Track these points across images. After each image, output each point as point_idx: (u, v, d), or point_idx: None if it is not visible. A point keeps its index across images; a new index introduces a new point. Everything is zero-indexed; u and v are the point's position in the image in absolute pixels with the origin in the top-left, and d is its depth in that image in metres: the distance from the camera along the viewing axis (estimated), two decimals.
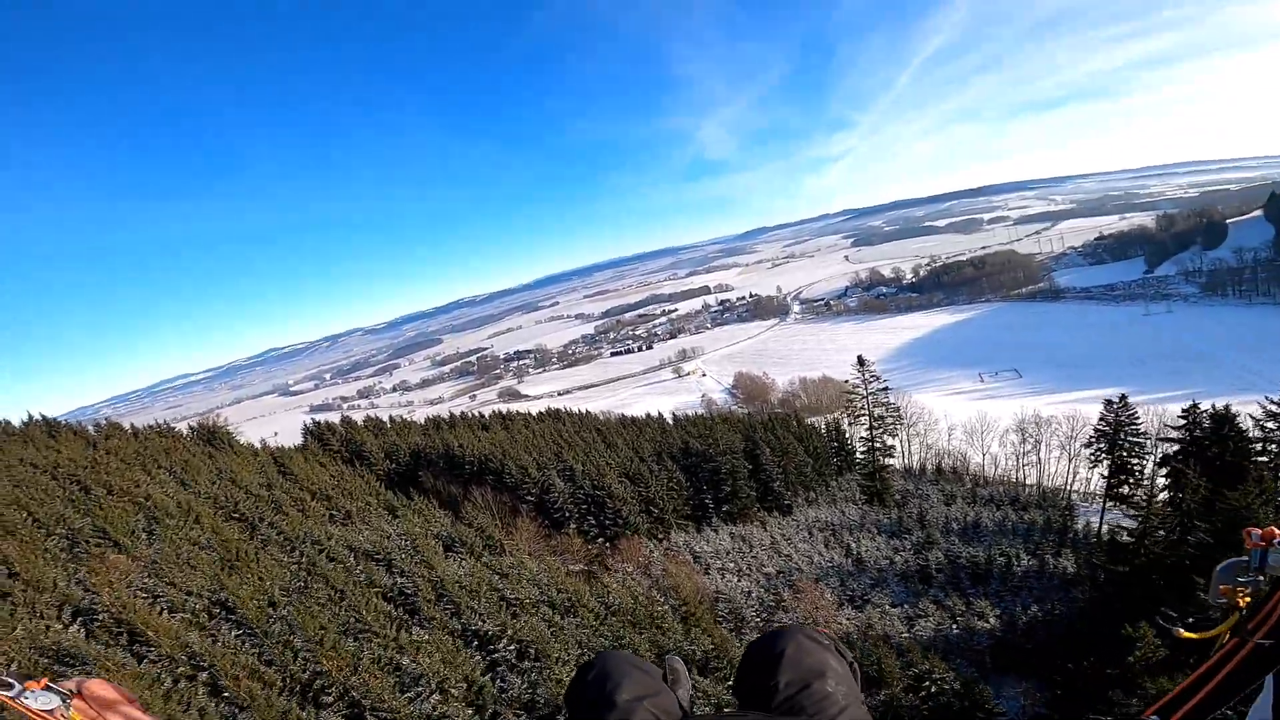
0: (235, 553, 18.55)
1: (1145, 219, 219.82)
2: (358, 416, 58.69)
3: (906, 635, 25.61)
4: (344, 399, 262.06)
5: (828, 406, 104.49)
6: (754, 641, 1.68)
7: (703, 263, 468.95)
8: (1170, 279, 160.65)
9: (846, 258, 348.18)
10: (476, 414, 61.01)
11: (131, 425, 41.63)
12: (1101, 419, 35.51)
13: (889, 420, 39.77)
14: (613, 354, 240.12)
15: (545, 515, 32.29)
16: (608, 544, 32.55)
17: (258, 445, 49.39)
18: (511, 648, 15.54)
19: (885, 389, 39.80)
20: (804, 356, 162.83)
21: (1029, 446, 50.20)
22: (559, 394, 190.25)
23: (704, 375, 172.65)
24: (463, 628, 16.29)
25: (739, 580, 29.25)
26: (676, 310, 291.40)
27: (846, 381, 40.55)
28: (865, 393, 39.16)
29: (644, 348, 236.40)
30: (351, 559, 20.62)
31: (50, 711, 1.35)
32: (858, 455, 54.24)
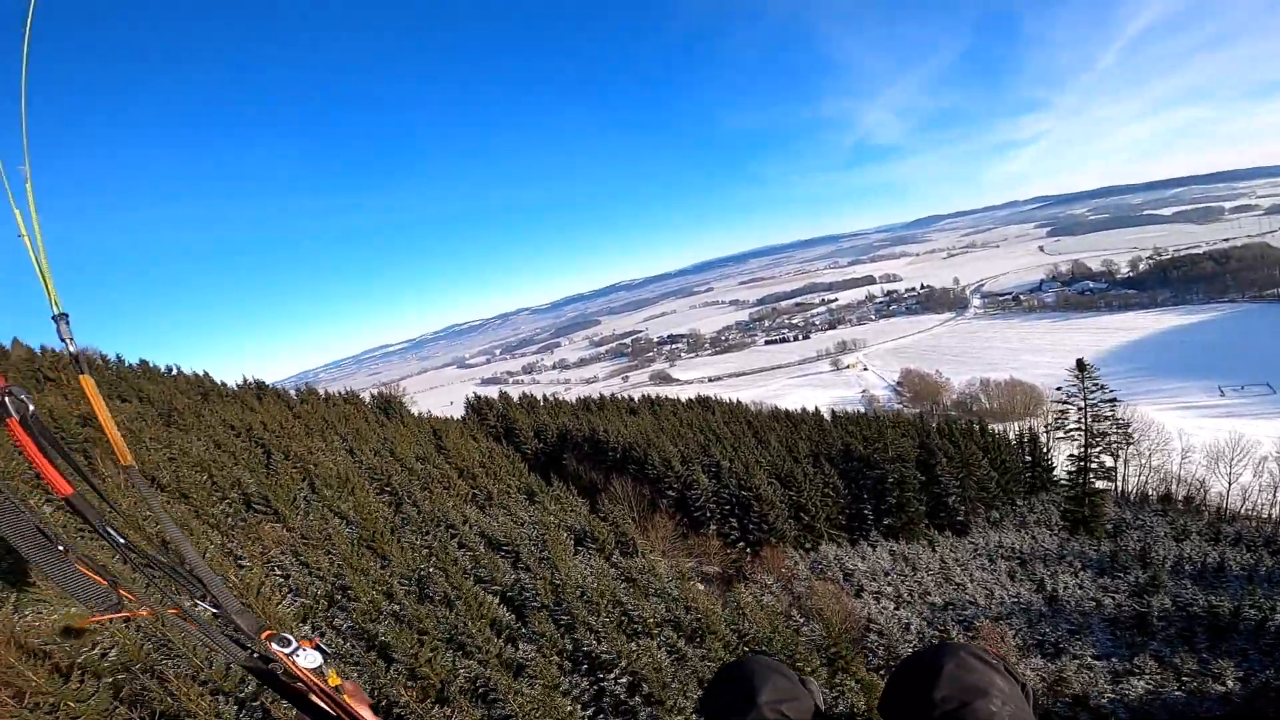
0: (373, 532, 18.40)
1: None
2: (520, 390, 61.07)
3: (1111, 695, 19.95)
4: (510, 374, 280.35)
5: (1016, 413, 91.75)
6: (909, 655, 1.50)
7: (866, 251, 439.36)
8: None
9: (1041, 248, 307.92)
10: (626, 397, 60.52)
11: (325, 392, 45.76)
12: None
13: (1112, 438, 32.31)
14: (767, 342, 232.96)
15: (685, 512, 30.06)
16: (749, 550, 29.63)
17: (426, 415, 52.92)
18: (623, 680, 13.38)
19: (1112, 400, 32.33)
20: (986, 356, 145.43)
21: None
22: (709, 380, 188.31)
23: (865, 369, 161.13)
24: (574, 645, 14.46)
25: (897, 609, 24.91)
26: (836, 300, 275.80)
27: (1059, 389, 33.53)
28: (1084, 402, 32.04)
29: (800, 337, 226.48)
30: (481, 547, 19.83)
31: (317, 669, 1.46)
32: (1059, 473, 46.09)
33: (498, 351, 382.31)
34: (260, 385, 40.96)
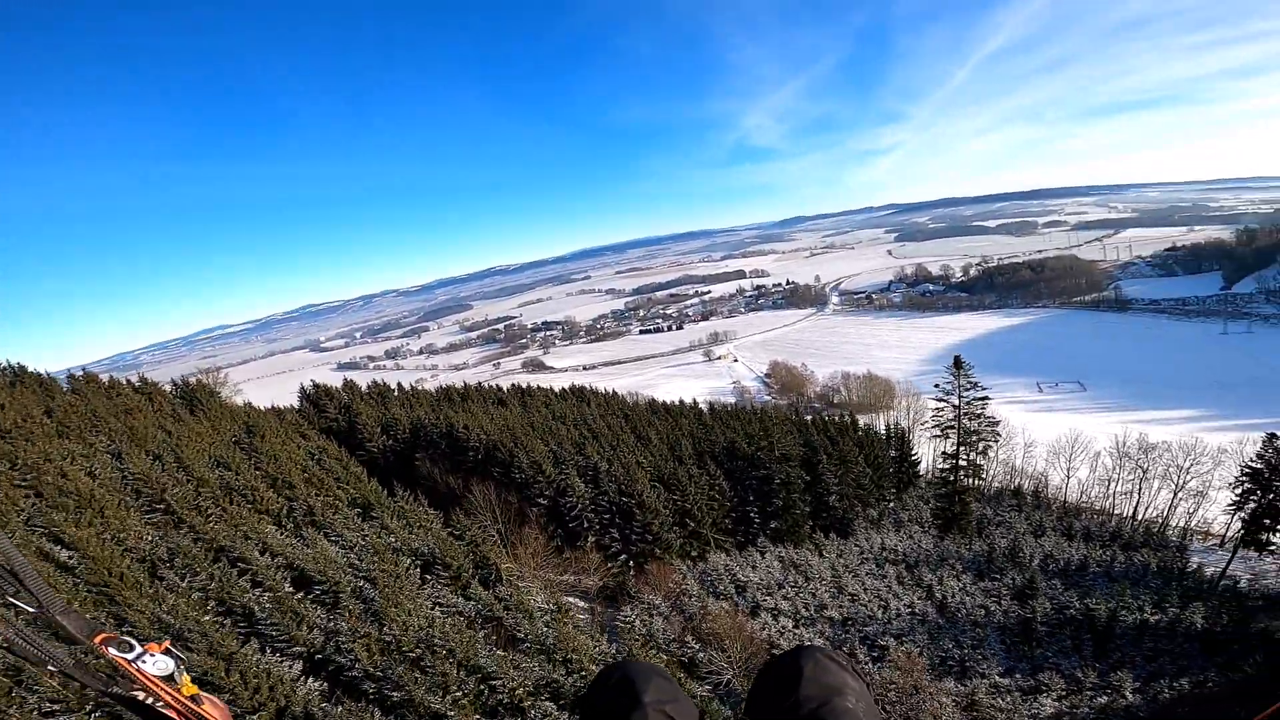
0: (108, 570, 12.91)
1: (1220, 232, 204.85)
2: (382, 376, 54.16)
3: (1027, 717, 19.11)
4: (371, 358, 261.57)
5: (872, 405, 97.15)
6: (769, 660, 1.63)
7: (738, 247, 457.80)
8: (1250, 297, 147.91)
9: (889, 252, 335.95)
10: (494, 386, 55.38)
11: (110, 378, 37.03)
12: (1260, 456, 28.38)
13: (984, 436, 32.83)
14: (642, 331, 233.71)
15: (559, 523, 26.37)
16: (631, 563, 26.56)
17: (245, 407, 44.89)
18: None
19: (985, 399, 32.79)
20: (843, 350, 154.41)
21: (1129, 474, 42.82)
22: (584, 368, 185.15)
23: (735, 360, 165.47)
24: None
25: (796, 628, 23.02)
26: (710, 292, 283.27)
27: (936, 386, 33.52)
28: (959, 400, 32.21)
29: (674, 328, 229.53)
30: (286, 586, 14.89)
31: (167, 678, 1.30)
32: (925, 468, 47.58)
33: (358, 334, 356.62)
34: (19, 370, 32.12)
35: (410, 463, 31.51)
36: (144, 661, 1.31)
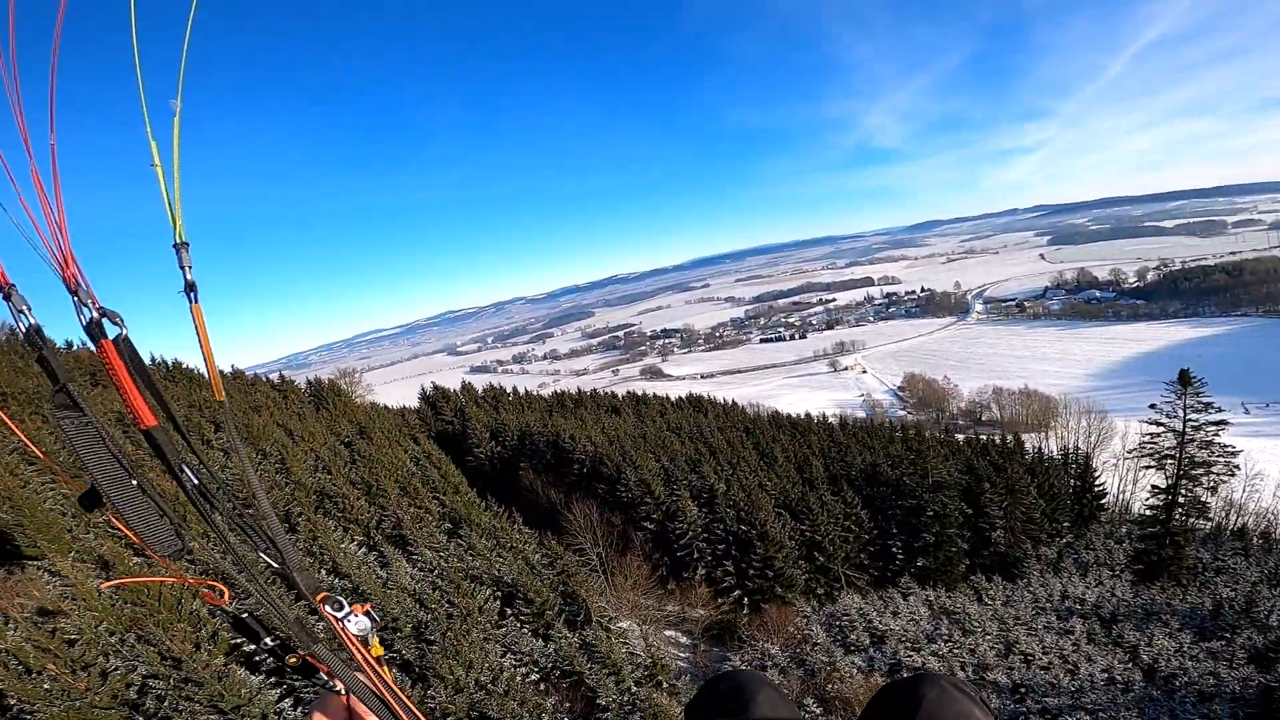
0: (157, 593, 11.49)
1: None
2: (509, 380, 54.69)
3: None
4: (500, 362, 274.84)
5: (1029, 424, 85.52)
6: (888, 684, 1.50)
7: (865, 254, 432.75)
8: None
9: (1042, 256, 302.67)
10: (608, 392, 53.61)
11: (255, 376, 39.30)
12: None
13: (1216, 470, 25.58)
14: (762, 340, 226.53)
15: (666, 550, 23.23)
16: (745, 600, 22.82)
17: (391, 406, 46.27)
18: None
19: (1220, 423, 25.58)
20: (991, 362, 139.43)
21: None
22: (702, 376, 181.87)
23: (864, 372, 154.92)
24: None
25: None
26: (835, 300, 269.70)
27: (1152, 407, 26.70)
28: (1183, 425, 25.28)
29: (797, 336, 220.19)
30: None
31: (363, 637, 1.41)
32: (1136, 505, 39.59)
33: (490, 339, 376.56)
34: (175, 365, 34.57)
35: (515, 472, 29.84)
36: (349, 621, 1.38)
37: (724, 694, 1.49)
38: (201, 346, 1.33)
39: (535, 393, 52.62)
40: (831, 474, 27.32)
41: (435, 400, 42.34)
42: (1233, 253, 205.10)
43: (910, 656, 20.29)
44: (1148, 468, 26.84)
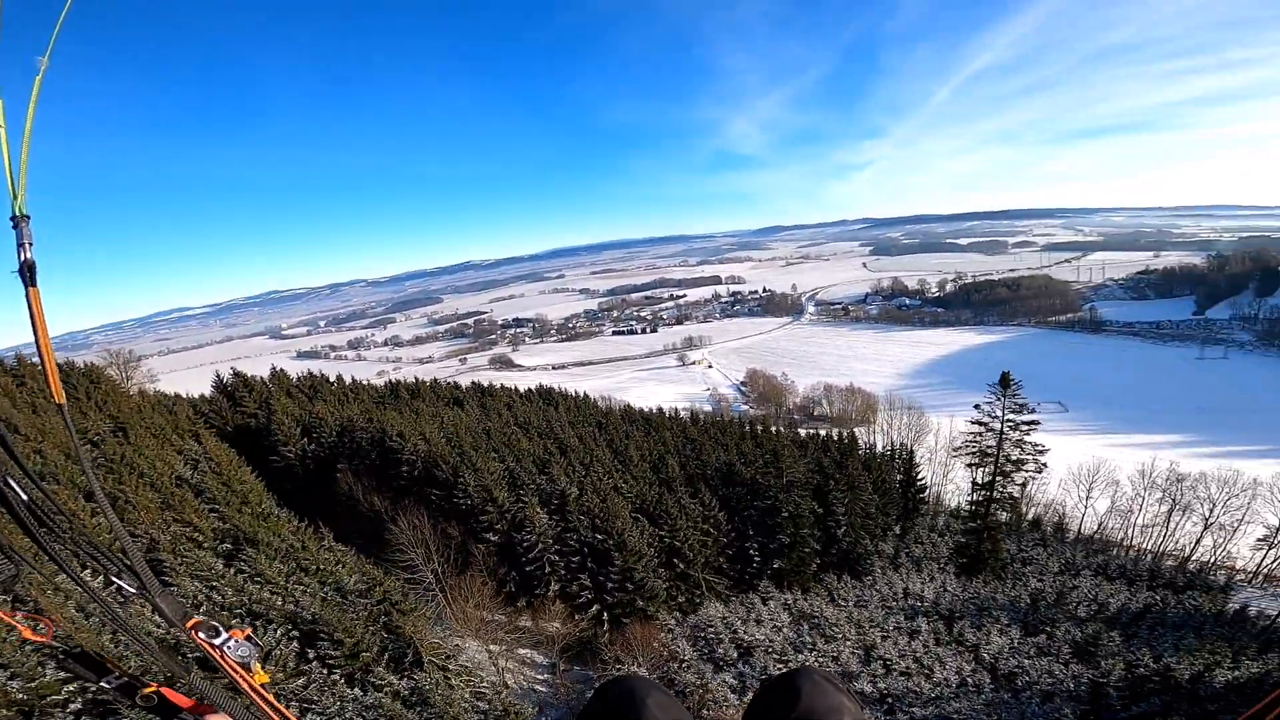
0: None
1: (1190, 257, 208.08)
2: (340, 368, 47.89)
3: None
4: (333, 348, 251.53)
5: (853, 419, 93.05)
6: (765, 681, 1.65)
7: (715, 254, 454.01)
8: (1224, 323, 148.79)
9: (864, 265, 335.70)
10: (450, 382, 49.12)
11: None
12: None
13: (1027, 466, 27.91)
14: (614, 332, 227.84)
15: (513, 564, 20.49)
16: (604, 616, 20.82)
17: (180, 395, 38.43)
18: None
19: (1033, 422, 27.92)
20: (820, 360, 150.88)
21: (1155, 504, 38.82)
22: (554, 367, 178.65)
23: (710, 366, 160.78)
24: None
25: None
26: (685, 296, 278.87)
27: (977, 407, 28.55)
28: (1002, 424, 27.25)
29: (648, 330, 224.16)
30: (47, 672, 8.89)
31: (244, 664, 1.33)
32: (951, 500, 43.01)
33: (322, 323, 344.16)
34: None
35: (333, 475, 25.28)
36: (228, 647, 1.31)
37: (614, 699, 1.49)
38: (37, 338, 1.15)
39: (367, 382, 46.73)
40: (688, 473, 26.17)
41: (234, 389, 35.58)
42: (1012, 269, 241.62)
43: (779, 669, 19.45)
44: (971, 465, 28.69)
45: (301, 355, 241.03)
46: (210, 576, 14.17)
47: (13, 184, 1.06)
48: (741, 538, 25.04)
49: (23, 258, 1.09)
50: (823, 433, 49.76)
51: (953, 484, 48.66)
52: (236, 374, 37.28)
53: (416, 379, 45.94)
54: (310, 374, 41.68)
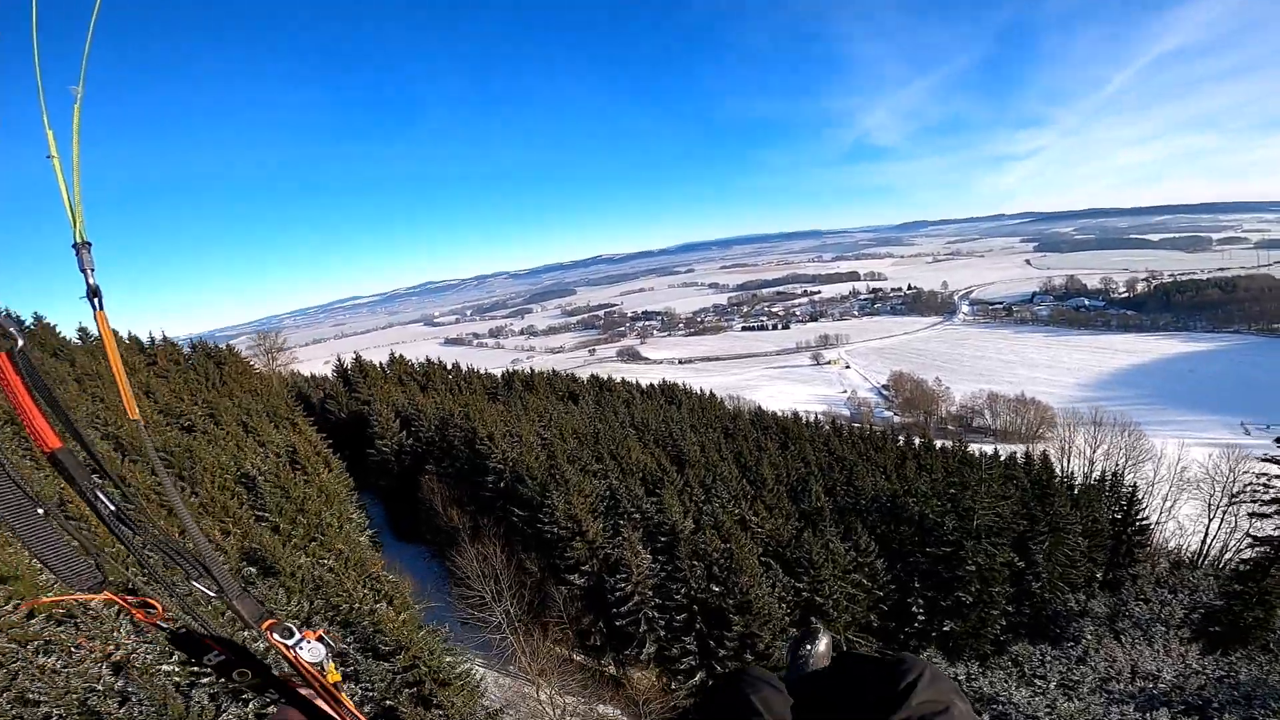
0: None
1: None
2: (483, 354, 47.77)
3: None
4: (475, 335, 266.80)
5: (1022, 434, 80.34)
6: (868, 659, 1.60)
7: (851, 249, 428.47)
8: None
9: (1028, 262, 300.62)
10: (567, 374, 46.48)
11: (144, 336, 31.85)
12: None
13: None
14: (744, 328, 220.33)
15: (600, 613, 16.30)
16: (709, 683, 16.07)
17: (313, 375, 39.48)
18: None
19: None
20: (978, 366, 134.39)
21: None
22: (680, 361, 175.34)
23: (847, 367, 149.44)
24: None
25: None
26: (820, 293, 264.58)
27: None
28: None
29: (779, 327, 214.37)
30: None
31: (318, 664, 1.38)
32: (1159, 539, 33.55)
33: (469, 312, 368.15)
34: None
35: (420, 474, 22.60)
36: (301, 648, 1.35)
37: (723, 700, 1.55)
38: (109, 358, 1.20)
39: (485, 371, 45.07)
40: (837, 504, 20.56)
41: (350, 374, 34.82)
42: (1221, 269, 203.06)
43: None
44: (1255, 514, 20.51)
45: (448, 342, 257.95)
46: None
47: (71, 214, 1.08)
48: (903, 589, 19.08)
49: (88, 282, 1.13)
50: (1001, 451, 41.42)
51: (1174, 521, 38.51)
52: (358, 359, 36.67)
53: (531, 370, 43.60)
54: (430, 360, 40.43)
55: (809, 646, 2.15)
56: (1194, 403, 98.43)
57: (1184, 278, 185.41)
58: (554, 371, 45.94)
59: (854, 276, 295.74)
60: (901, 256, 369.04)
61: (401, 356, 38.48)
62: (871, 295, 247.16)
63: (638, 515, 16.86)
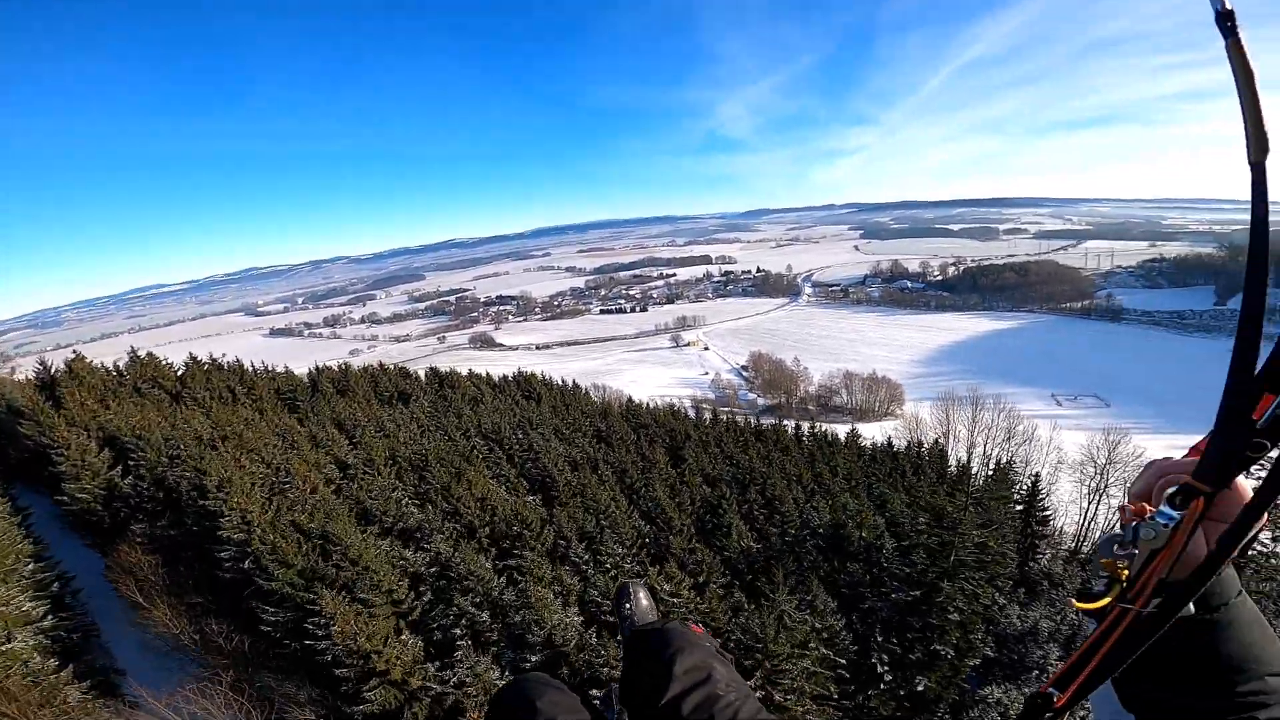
0: None
1: (1197, 247, 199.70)
2: (316, 346, 37.05)
3: None
4: (308, 325, 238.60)
5: (880, 413, 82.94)
6: (642, 634, 1.62)
7: (703, 234, 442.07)
8: None
9: (856, 248, 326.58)
10: (397, 368, 37.66)
11: None
12: None
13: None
14: (602, 311, 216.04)
15: None
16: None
17: None
18: None
19: None
20: (825, 344, 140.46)
21: None
22: (538, 347, 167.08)
23: (706, 348, 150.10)
24: None
25: None
26: (675, 276, 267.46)
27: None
28: None
29: (638, 309, 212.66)
30: None
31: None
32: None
33: (300, 299, 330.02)
34: None
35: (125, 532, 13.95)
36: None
37: (508, 703, 1.49)
38: None
39: (284, 370, 34.87)
40: (766, 541, 15.13)
41: (60, 382, 23.93)
42: (1010, 255, 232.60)
43: None
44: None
45: (275, 333, 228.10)
46: None
47: None
48: (862, 644, 14.18)
49: None
50: (860, 430, 39.45)
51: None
52: (70, 362, 25.41)
53: (346, 365, 34.39)
54: (197, 359, 29.79)
55: (628, 605, 2.06)
56: (1009, 376, 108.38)
57: (984, 263, 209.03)
58: (381, 366, 36.97)
59: (706, 260, 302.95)
60: (748, 241, 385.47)
61: (150, 355, 27.68)
62: (724, 278, 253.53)
63: (485, 618, 10.04)
